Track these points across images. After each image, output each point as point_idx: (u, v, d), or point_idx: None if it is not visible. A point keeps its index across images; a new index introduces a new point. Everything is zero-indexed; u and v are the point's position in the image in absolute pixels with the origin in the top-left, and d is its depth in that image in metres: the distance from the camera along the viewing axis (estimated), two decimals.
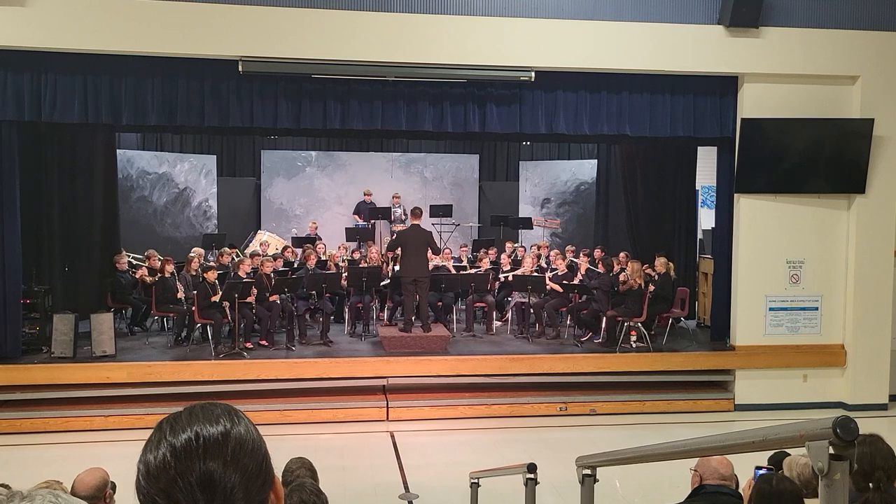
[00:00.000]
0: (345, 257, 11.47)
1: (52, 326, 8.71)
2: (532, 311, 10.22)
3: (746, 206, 9.42)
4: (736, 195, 9.47)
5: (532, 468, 3.94)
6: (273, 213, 14.37)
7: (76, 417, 8.33)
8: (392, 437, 8.28)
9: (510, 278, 10.61)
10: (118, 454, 6.80)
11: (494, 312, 10.76)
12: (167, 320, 10.26)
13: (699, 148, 11.69)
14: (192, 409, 1.16)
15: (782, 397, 9.25)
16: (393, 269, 10.60)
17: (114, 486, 3.79)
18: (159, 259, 10.31)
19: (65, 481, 3.62)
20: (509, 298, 10.92)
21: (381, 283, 10.46)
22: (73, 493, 3.57)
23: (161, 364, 8.64)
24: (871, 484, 2.87)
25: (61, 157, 10.51)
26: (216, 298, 9.07)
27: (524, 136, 11.55)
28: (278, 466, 1.32)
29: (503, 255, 11.54)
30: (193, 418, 1.14)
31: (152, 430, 1.15)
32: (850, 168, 9.27)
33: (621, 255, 10.86)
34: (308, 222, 13.35)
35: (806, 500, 3.04)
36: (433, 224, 12.55)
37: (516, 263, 11.30)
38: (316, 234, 12.54)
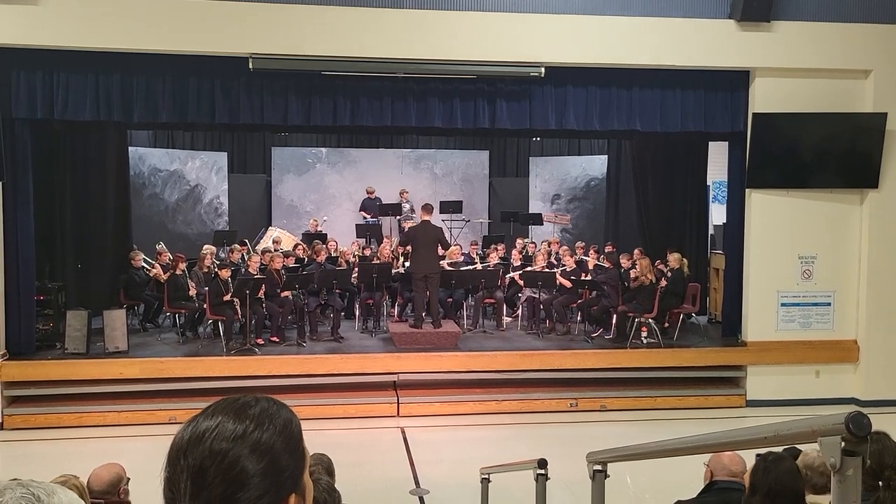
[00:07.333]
0: (356, 253, 11.50)
1: (66, 323, 8.79)
2: (542, 307, 10.21)
3: (758, 202, 9.37)
4: (748, 190, 9.42)
5: (543, 464, 3.94)
6: (284, 209, 14.42)
7: (90, 413, 8.40)
8: (403, 432, 8.30)
9: (517, 277, 10.60)
10: (132, 449, 6.89)
11: (504, 308, 10.77)
12: (179, 316, 10.31)
13: (710, 143, 11.63)
14: (226, 403, 1.17)
15: (794, 393, 9.20)
16: (403, 265, 10.61)
17: (128, 481, 3.82)
18: (169, 256, 10.35)
19: (80, 476, 3.65)
20: (520, 294, 10.92)
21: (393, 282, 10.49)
22: (88, 487, 3.61)
23: (173, 360, 8.70)
24: (880, 482, 2.85)
25: (73, 155, 10.59)
26: (228, 298, 9.11)
27: (534, 132, 11.52)
28: None
29: (514, 252, 11.54)
30: (219, 411, 1.15)
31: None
32: (862, 163, 9.20)
33: (635, 251, 10.82)
34: (321, 218, 13.41)
35: (819, 497, 3.04)
36: (443, 220, 12.56)
37: (527, 259, 11.30)
38: (317, 231, 12.58)
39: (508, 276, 10.97)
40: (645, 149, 12.17)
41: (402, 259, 10.89)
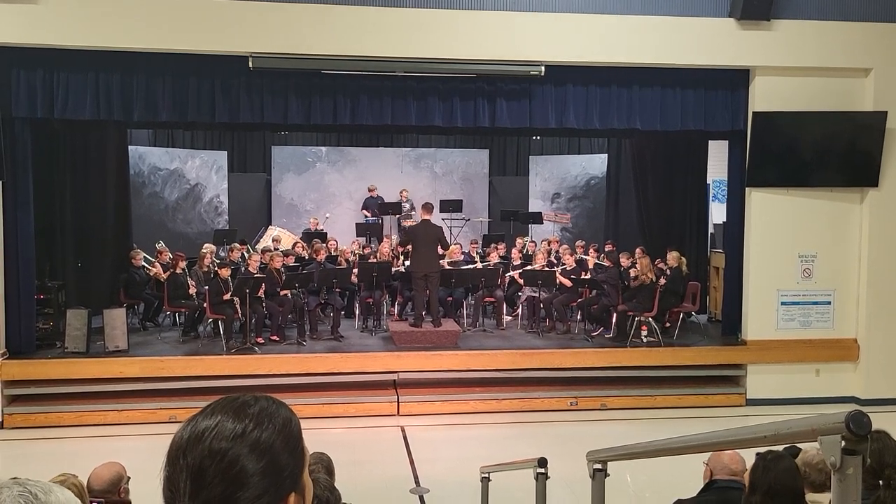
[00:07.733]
0: (356, 252, 11.50)
1: (66, 321, 8.78)
2: (542, 305, 10.21)
3: (758, 200, 9.37)
4: (748, 189, 9.42)
5: (543, 463, 3.94)
6: (284, 208, 14.42)
7: (90, 412, 8.40)
8: (403, 431, 8.31)
9: (517, 276, 10.60)
10: (132, 448, 6.88)
11: (504, 307, 10.76)
12: (179, 315, 10.31)
13: (710, 142, 11.63)
14: (225, 402, 1.17)
15: (794, 392, 9.21)
16: (403, 263, 10.61)
17: (128, 480, 3.82)
18: (169, 255, 10.35)
19: (80, 475, 3.65)
20: (520, 293, 10.92)
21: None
22: (89, 486, 3.61)
23: (173, 359, 8.70)
24: (880, 481, 2.85)
25: (74, 154, 10.59)
26: (228, 296, 9.12)
27: (534, 131, 11.53)
28: None
29: (514, 250, 11.53)
30: (218, 410, 1.15)
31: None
32: (862, 161, 9.20)
33: (637, 250, 10.83)
34: (322, 215, 13.42)
35: (818, 495, 3.04)
36: (443, 219, 12.55)
37: (527, 258, 11.30)
38: (317, 230, 12.58)
39: (508, 274, 10.97)
40: (645, 147, 12.17)
41: (402, 258, 10.89)
